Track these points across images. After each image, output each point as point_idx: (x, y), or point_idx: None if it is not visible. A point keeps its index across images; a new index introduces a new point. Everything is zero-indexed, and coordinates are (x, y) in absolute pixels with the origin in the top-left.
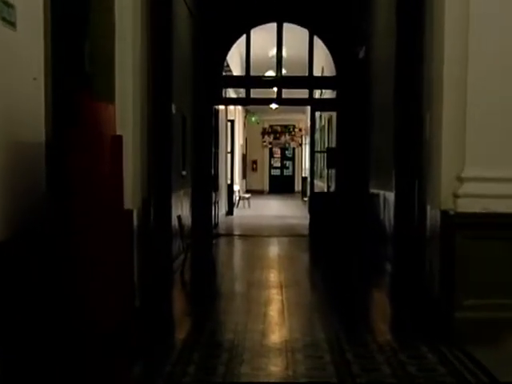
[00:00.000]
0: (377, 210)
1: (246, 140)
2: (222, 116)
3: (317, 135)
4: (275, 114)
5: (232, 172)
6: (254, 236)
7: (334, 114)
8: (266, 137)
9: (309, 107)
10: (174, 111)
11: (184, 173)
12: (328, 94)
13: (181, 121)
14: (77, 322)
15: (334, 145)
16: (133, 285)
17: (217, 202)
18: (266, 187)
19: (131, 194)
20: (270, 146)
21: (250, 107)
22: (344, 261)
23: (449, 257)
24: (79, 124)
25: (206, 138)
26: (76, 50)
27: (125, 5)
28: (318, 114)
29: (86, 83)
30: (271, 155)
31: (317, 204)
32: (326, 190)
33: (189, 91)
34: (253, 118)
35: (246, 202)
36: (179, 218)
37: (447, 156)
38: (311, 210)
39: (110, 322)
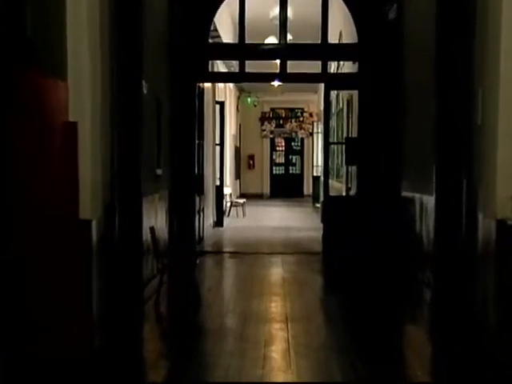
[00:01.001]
0: (411, 220)
1: (239, 128)
2: (208, 97)
3: (332, 122)
4: (278, 94)
5: (222, 170)
6: (251, 254)
7: (355, 94)
8: (265, 124)
9: (322, 85)
10: (145, 91)
11: (159, 172)
12: (347, 67)
13: (154, 104)
14: (14, 367)
15: (354, 134)
16: (91, 318)
17: (202, 210)
18: (267, 190)
19: (89, 200)
20: (271, 135)
21: (245, 85)
22: (368, 286)
23: (508, 280)
24: (19, 107)
25: (187, 126)
26: (15, 10)
27: None
28: (334, 93)
29: (28, 53)
30: (273, 148)
31: (333, 212)
32: (344, 193)
33: (165, 65)
34: (248, 100)
35: (240, 209)
36: (152, 230)
37: (505, 146)
38: (325, 220)
39: (61, 367)
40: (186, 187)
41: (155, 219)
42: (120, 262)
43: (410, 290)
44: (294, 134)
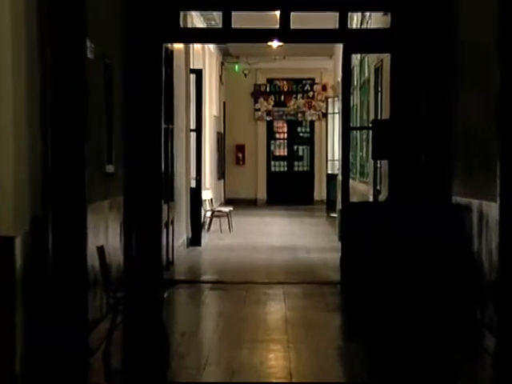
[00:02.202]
0: (466, 236)
1: (223, 108)
2: (179, 64)
3: (354, 98)
4: (278, 59)
5: (199, 167)
6: (240, 284)
7: (386, 59)
8: (260, 101)
9: (340, 46)
10: (89, 54)
11: (110, 169)
12: (376, 20)
13: (103, 72)
14: None
15: (385, 116)
16: (13, 376)
17: (171, 223)
18: (262, 194)
19: (11, 209)
20: (268, 118)
21: (232, 47)
22: (406, 330)
23: None
24: None
25: (149, 104)
26: None
27: None
28: (356, 58)
29: None
30: (271, 135)
31: (355, 224)
32: (371, 198)
33: (118, 19)
34: (236, 67)
35: (225, 220)
36: (101, 251)
37: None
38: (345, 236)
39: None
40: (149, 191)
41: (105, 236)
42: (55, 296)
43: (466, 335)
44: (300, 115)
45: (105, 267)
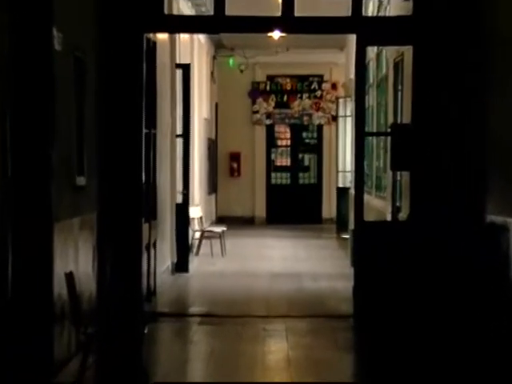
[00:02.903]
0: (504, 260)
1: (216, 109)
2: (163, 57)
3: (370, 98)
4: (280, 52)
5: (186, 179)
6: (235, 318)
7: (407, 52)
8: (259, 102)
9: (353, 38)
10: (57, 46)
11: (81, 181)
12: (395, 7)
13: (73, 67)
14: None
15: (406, 119)
16: None
17: (153, 245)
18: (261, 212)
19: None
20: (268, 121)
21: (225, 38)
22: (434, 373)
23: None
24: None
25: (128, 105)
26: None
27: None
28: (372, 51)
29: None
30: (271, 142)
31: (370, 247)
32: (389, 216)
33: (92, 4)
34: (231, 62)
35: (217, 242)
36: (70, 277)
37: None
38: (359, 262)
39: None
40: (127, 207)
41: (75, 260)
42: (14, 330)
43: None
44: (306, 118)
45: (74, 297)
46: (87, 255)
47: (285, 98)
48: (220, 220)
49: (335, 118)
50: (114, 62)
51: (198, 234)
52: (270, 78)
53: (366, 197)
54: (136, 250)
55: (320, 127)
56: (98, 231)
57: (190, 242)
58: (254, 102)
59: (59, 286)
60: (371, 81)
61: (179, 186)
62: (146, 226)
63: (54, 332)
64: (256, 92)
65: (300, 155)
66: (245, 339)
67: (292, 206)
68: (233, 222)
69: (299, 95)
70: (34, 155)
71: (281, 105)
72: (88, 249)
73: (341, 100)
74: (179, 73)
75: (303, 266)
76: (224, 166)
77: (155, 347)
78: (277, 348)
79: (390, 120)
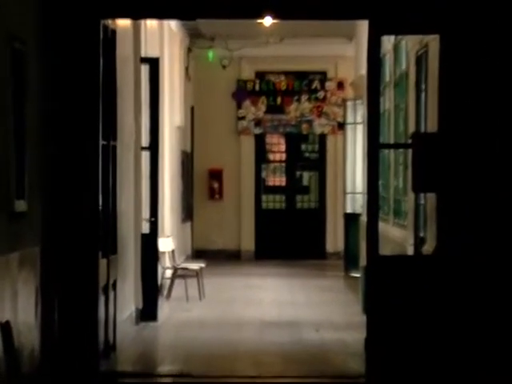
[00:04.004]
0: None
1: (191, 114)
2: (125, 49)
3: (385, 101)
4: (272, 42)
5: (155, 203)
6: (215, 379)
7: (432, 44)
8: (246, 106)
9: (364, 24)
10: None
11: (21, 206)
12: None
13: (10, 62)
14: None
15: (431, 127)
16: None
17: (113, 286)
18: (249, 243)
19: None
20: (257, 130)
21: (203, 24)
22: None
23: None
24: None
25: (80, 110)
26: None
27: None
28: (388, 41)
29: None
30: (261, 156)
31: (387, 289)
32: (411, 250)
33: None
34: (210, 55)
35: (194, 283)
36: (6, 328)
37: None
38: (373, 306)
39: None
40: (80, 239)
41: (12, 306)
42: None
43: None
44: (305, 126)
45: (11, 352)
46: (28, 300)
47: (278, 100)
48: (197, 254)
49: (342, 126)
50: (62, 56)
51: (169, 273)
52: (260, 75)
53: (381, 225)
54: (90, 293)
55: (323, 137)
56: (43, 269)
57: (159, 283)
58: (239, 106)
59: None
60: (387, 79)
61: (145, 212)
62: (103, 263)
63: None
64: (242, 93)
65: (298, 173)
66: None
67: (288, 236)
68: (213, 256)
69: (296, 97)
70: None
71: (273, 109)
72: (30, 292)
73: (349, 103)
74: (145, 69)
75: (302, 313)
76: (202, 186)
77: None
78: None
79: (412, 128)
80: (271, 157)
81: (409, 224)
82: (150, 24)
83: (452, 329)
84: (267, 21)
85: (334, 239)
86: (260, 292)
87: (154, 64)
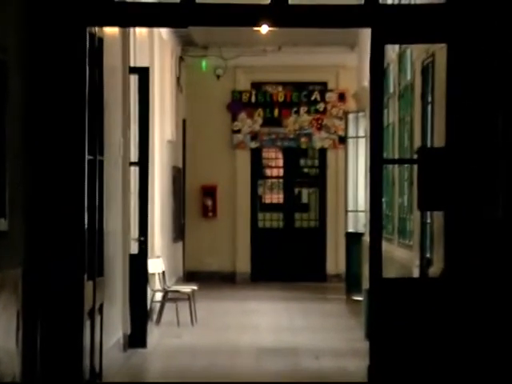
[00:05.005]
0: None
1: (183, 128)
2: (112, 59)
3: (390, 113)
4: (269, 51)
5: (144, 222)
6: None
7: (439, 53)
8: (241, 118)
9: (367, 32)
10: None
11: (2, 225)
12: None
13: None
14: None
15: (438, 141)
16: None
17: (99, 311)
18: (244, 265)
19: None
20: (253, 144)
21: (196, 32)
22: None
23: None
24: None
25: (65, 123)
26: None
27: None
28: (393, 50)
29: None
30: (258, 171)
31: (391, 313)
32: (416, 272)
33: None
34: (203, 64)
35: (186, 307)
36: None
37: None
38: (376, 332)
39: None
40: (64, 260)
41: None
42: None
43: None
44: (304, 140)
45: None
46: (9, 325)
47: (276, 112)
48: (189, 277)
49: (343, 140)
50: (46, 66)
51: (159, 296)
52: (256, 85)
53: (385, 245)
54: (75, 318)
55: (323, 152)
56: (25, 292)
57: (148, 307)
58: (234, 118)
59: None
60: (392, 90)
61: (134, 231)
62: (89, 285)
63: None
64: (237, 105)
65: (296, 189)
66: None
67: (286, 257)
68: (206, 279)
69: (295, 109)
70: None
71: (271, 122)
72: (10, 316)
73: (351, 116)
74: (134, 79)
75: (301, 340)
76: (194, 203)
77: None
78: None
79: (417, 143)
80: (268, 172)
81: (414, 244)
82: (140, 32)
83: (460, 357)
84: (264, 28)
85: (335, 260)
86: (256, 317)
87: (143, 74)
